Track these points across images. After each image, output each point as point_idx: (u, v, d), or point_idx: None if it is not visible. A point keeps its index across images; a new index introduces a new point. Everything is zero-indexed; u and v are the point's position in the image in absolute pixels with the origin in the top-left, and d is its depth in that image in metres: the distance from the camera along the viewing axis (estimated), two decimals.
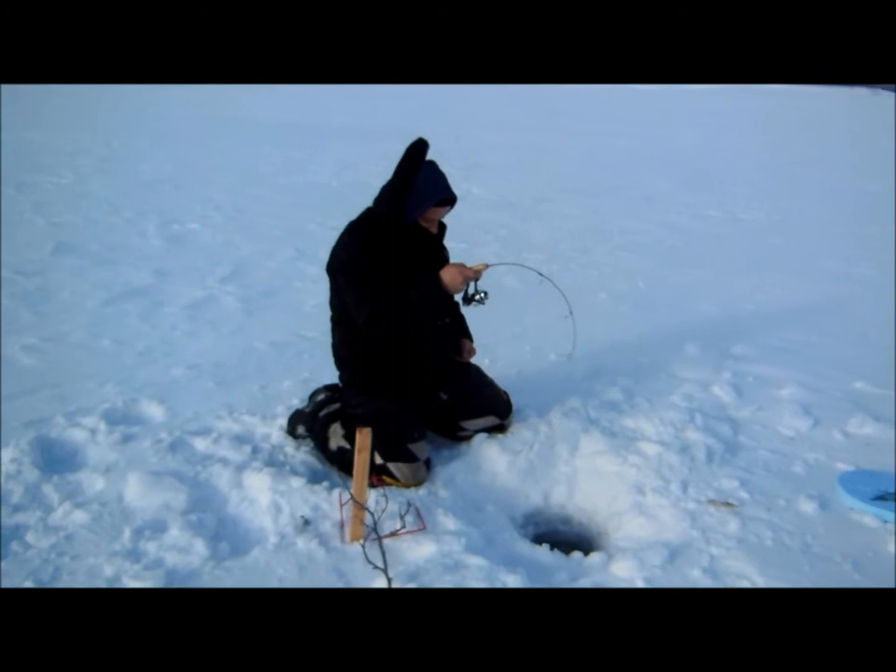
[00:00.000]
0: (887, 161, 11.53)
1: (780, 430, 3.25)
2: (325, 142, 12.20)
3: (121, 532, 2.43)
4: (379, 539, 2.26)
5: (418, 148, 2.76)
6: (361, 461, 2.37)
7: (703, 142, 14.10)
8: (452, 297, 2.76)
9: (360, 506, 2.31)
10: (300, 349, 3.99)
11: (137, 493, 2.63)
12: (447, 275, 2.66)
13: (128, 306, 4.55)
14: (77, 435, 3.00)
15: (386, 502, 2.37)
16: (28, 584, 2.19)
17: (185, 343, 4.03)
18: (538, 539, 2.77)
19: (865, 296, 5.46)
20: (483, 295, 2.80)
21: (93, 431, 3.02)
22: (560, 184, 9.44)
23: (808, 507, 2.68)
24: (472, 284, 2.76)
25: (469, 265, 2.71)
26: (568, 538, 2.84)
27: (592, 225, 7.34)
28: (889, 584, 2.33)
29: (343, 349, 2.97)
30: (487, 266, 2.75)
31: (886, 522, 2.62)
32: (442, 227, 2.97)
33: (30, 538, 2.40)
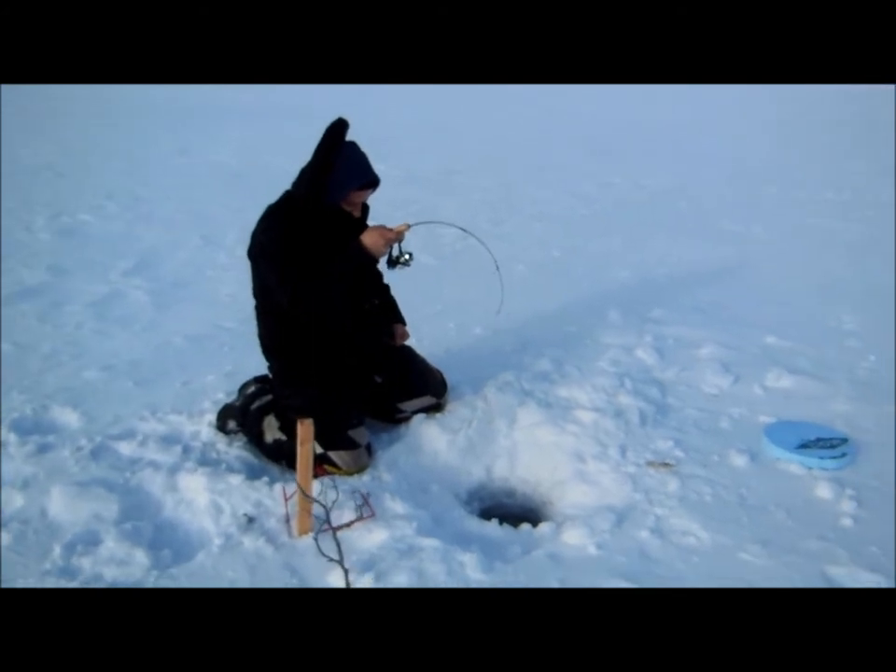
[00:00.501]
0: (772, 130, 12.13)
1: (704, 389, 3.37)
2: (220, 122, 11.71)
3: (50, 550, 2.27)
4: (333, 530, 2.20)
5: (338, 129, 2.66)
6: (304, 453, 2.30)
7: (604, 114, 14.39)
8: (376, 261, 2.70)
9: (310, 498, 2.24)
10: (220, 341, 3.83)
11: (62, 506, 2.46)
12: (368, 239, 2.59)
13: (24, 307, 4.23)
14: None
15: (337, 494, 2.31)
16: None
17: (94, 342, 3.79)
18: (484, 514, 2.78)
19: (764, 254, 5.72)
20: (407, 257, 2.74)
21: (3, 444, 2.80)
22: (467, 156, 9.43)
23: (739, 460, 2.80)
24: (396, 246, 2.70)
25: (389, 227, 2.66)
26: (514, 510, 2.86)
27: (503, 197, 7.37)
28: (820, 528, 2.46)
29: (271, 339, 2.87)
30: (409, 226, 2.69)
31: (810, 469, 2.76)
32: (365, 208, 2.90)
33: None
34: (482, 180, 8.09)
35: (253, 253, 2.73)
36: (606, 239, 6.04)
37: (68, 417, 3.04)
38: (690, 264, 5.42)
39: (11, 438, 2.81)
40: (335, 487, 2.35)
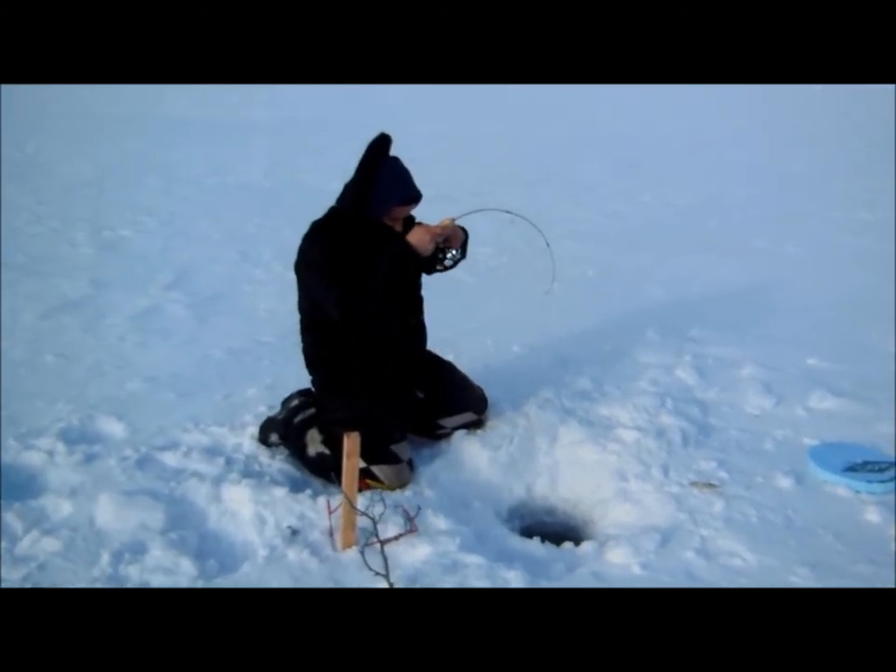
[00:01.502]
0: (805, 142, 12.02)
1: (746, 409, 3.33)
2: (249, 138, 11.86)
3: (98, 557, 2.31)
4: (381, 543, 2.20)
5: (381, 144, 2.70)
6: (350, 466, 2.31)
7: (626, 127, 14.38)
8: (423, 261, 2.71)
9: (359, 511, 2.25)
10: (258, 355, 3.87)
11: (110, 514, 2.50)
12: (414, 237, 2.61)
13: (67, 319, 4.31)
14: (34, 458, 2.83)
15: (384, 507, 2.31)
16: None
17: (136, 354, 3.85)
18: (525, 532, 2.77)
19: (798, 273, 5.65)
20: (454, 252, 2.76)
21: (51, 453, 2.85)
22: (494, 174, 9.45)
23: (785, 483, 2.76)
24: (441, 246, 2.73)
25: (433, 223, 2.67)
26: (555, 528, 2.84)
27: (532, 214, 7.30)
28: (869, 552, 2.42)
29: (315, 352, 2.89)
30: (453, 220, 2.71)
31: (858, 492, 2.72)
32: (410, 220, 2.92)
33: None
34: (510, 199, 8.02)
35: (299, 266, 2.76)
36: (637, 257, 6.01)
37: (113, 427, 3.08)
38: (723, 283, 5.37)
39: (59, 447, 2.86)
40: (382, 501, 2.36)
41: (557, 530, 2.84)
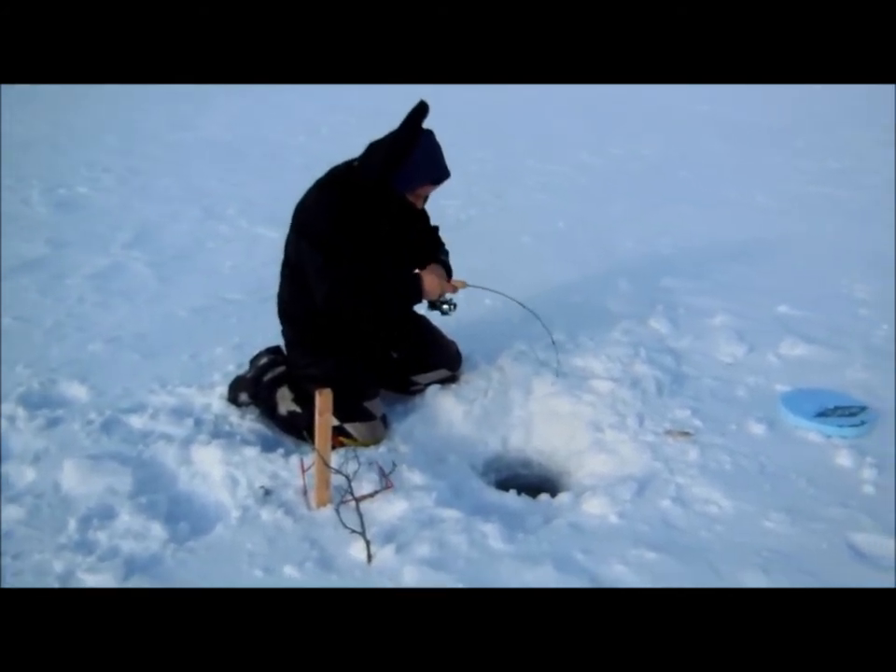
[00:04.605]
0: (771, 96, 11.98)
1: (719, 357, 3.34)
2: (208, 95, 11.50)
3: (65, 524, 2.24)
4: (356, 501, 2.17)
5: (420, 114, 2.53)
6: (323, 423, 2.26)
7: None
8: (421, 301, 2.73)
9: (333, 469, 2.21)
10: (225, 313, 3.77)
11: (76, 480, 2.42)
12: (428, 281, 2.62)
13: (24, 280, 4.15)
14: None
15: (358, 464, 2.27)
16: None
17: (97, 315, 3.72)
18: (501, 485, 2.75)
19: (768, 223, 5.67)
20: (451, 307, 2.79)
21: (11, 418, 2.75)
22: (461, 127, 9.29)
23: (757, 429, 2.78)
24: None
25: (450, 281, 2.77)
26: (531, 480, 2.84)
27: (502, 167, 7.28)
28: (842, 496, 2.44)
29: (293, 305, 2.78)
30: (466, 285, 2.80)
31: (829, 437, 2.74)
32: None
33: None
34: (478, 151, 7.95)
35: (299, 221, 2.64)
36: (608, 209, 5.97)
37: (76, 391, 2.99)
38: (694, 234, 5.36)
39: (20, 412, 2.77)
40: (356, 458, 2.32)
41: (533, 482, 2.83)
